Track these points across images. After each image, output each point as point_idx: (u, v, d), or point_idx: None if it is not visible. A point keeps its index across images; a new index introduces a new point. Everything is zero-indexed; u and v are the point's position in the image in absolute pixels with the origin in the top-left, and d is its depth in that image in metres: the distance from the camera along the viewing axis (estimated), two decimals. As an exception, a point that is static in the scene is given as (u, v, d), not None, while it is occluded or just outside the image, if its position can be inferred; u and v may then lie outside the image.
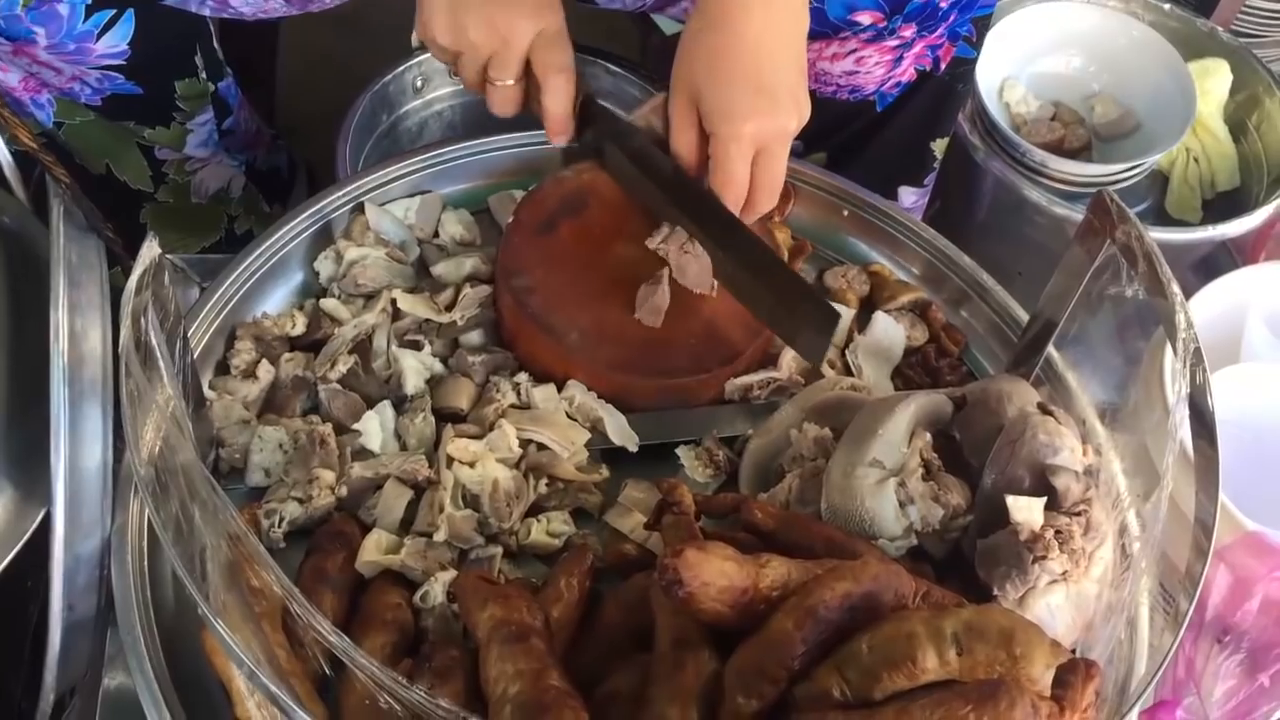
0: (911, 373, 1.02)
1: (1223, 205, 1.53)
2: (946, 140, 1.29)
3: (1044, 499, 0.81)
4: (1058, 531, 0.80)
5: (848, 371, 1.01)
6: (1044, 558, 0.78)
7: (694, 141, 0.93)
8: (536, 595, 0.79)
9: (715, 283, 0.96)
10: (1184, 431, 0.78)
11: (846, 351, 1.02)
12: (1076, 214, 1.37)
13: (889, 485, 0.82)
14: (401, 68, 1.36)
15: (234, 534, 0.65)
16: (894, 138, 1.23)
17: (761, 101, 0.89)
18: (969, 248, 1.08)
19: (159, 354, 0.71)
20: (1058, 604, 0.79)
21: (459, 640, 0.80)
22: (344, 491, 0.87)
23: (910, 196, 1.32)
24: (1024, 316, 1.01)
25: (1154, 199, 1.56)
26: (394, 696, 0.59)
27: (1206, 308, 1.16)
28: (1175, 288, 0.79)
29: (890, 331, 1.03)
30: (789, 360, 1.00)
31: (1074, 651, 0.78)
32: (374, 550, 0.84)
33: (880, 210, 1.10)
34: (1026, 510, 0.80)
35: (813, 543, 0.79)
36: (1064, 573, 0.79)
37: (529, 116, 0.99)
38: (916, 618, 0.68)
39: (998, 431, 0.85)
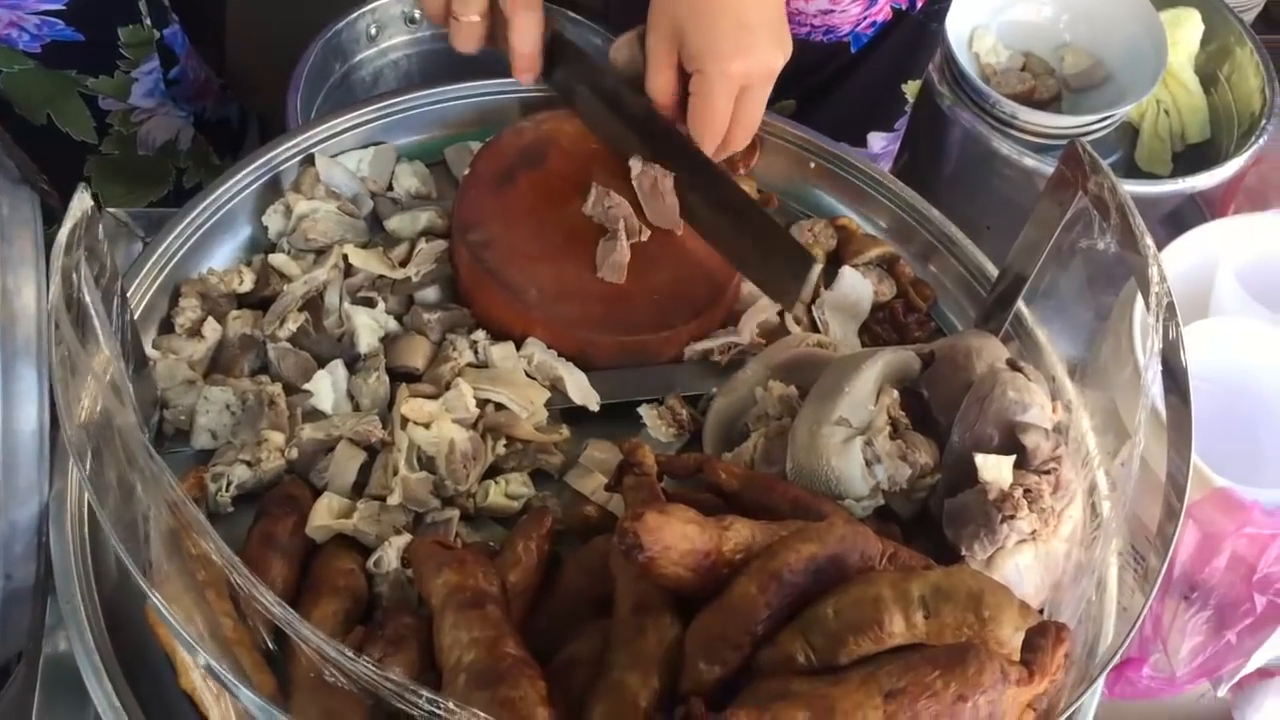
0: (879, 329, 1.01)
1: (1193, 157, 1.52)
2: (919, 83, 1.27)
3: (1013, 457, 0.79)
4: (1026, 490, 0.78)
5: (814, 327, 1.00)
6: (1012, 517, 0.77)
7: (672, 80, 0.92)
8: (494, 560, 0.77)
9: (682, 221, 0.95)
10: (1156, 388, 0.77)
11: (813, 307, 1.01)
12: (1046, 166, 1.36)
13: (855, 444, 0.81)
14: (354, 15, 1.32)
15: (173, 501, 0.62)
16: (866, 80, 1.22)
17: (746, 39, 0.88)
18: (937, 201, 1.06)
19: (93, 313, 0.68)
20: (1026, 564, 0.78)
21: (413, 607, 0.78)
22: (294, 454, 0.85)
23: (880, 142, 1.30)
24: (993, 271, 1.00)
25: (1124, 151, 1.55)
26: (340, 669, 0.57)
27: (1175, 261, 1.15)
28: (1148, 240, 0.78)
29: (857, 286, 1.02)
30: (750, 324, 0.98)
31: (1042, 612, 0.77)
32: (325, 514, 0.81)
33: (848, 163, 1.08)
34: (995, 469, 0.79)
35: (778, 503, 0.78)
36: (1033, 532, 0.78)
37: (492, 58, 0.96)
38: (883, 580, 0.66)
39: (966, 388, 0.83)
